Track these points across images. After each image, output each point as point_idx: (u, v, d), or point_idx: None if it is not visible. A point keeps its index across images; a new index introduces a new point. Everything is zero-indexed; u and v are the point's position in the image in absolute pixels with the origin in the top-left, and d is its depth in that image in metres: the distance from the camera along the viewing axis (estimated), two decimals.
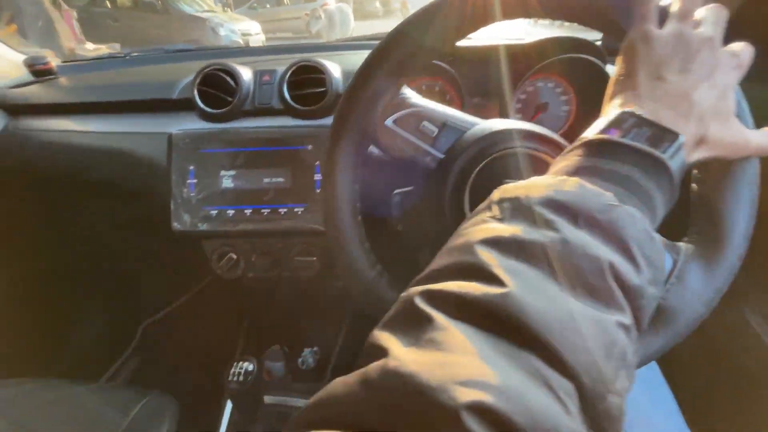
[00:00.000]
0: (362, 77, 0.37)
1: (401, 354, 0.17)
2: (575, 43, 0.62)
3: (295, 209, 0.63)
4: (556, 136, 0.38)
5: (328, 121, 0.66)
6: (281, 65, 0.70)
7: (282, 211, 0.63)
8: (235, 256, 0.68)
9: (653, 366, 0.53)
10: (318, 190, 0.63)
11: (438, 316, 0.18)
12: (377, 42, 0.37)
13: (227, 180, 0.64)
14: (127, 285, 1.24)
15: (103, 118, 0.75)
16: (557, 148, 0.37)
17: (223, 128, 0.66)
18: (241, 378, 0.55)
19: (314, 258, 0.68)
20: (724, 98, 0.28)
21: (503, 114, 0.68)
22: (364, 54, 0.38)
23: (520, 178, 0.34)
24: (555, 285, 0.19)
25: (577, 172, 0.24)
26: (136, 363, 1.22)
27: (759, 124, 0.31)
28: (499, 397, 0.15)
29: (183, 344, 1.23)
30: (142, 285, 1.26)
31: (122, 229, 0.88)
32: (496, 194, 0.24)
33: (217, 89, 0.69)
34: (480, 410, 0.15)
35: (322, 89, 0.67)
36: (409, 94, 0.42)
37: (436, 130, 0.40)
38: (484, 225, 0.22)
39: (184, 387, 0.77)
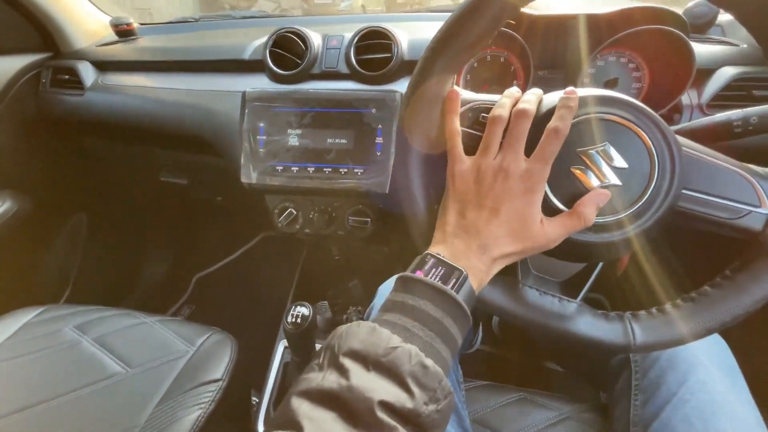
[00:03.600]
0: (457, 20, 0.35)
1: None
2: (657, 14, 0.59)
3: (356, 170, 0.66)
4: (635, 101, 0.37)
5: (393, 86, 0.68)
6: (349, 31, 0.72)
7: (343, 170, 0.66)
8: (294, 212, 0.72)
9: (729, 355, 0.52)
10: (378, 153, 0.65)
11: None
12: (445, 13, 0.36)
13: (294, 138, 0.67)
14: (186, 236, 1.35)
15: (180, 75, 0.81)
16: (636, 112, 0.36)
17: (293, 89, 0.69)
18: (298, 320, 0.59)
19: (368, 219, 0.71)
20: (519, 220, 0.34)
21: None
22: (431, 24, 0.37)
23: (595, 143, 0.35)
24: (342, 424, 0.25)
25: (391, 306, 0.32)
26: (190, 310, 1.33)
27: None
28: None
29: (232, 297, 1.33)
30: (198, 238, 1.36)
31: (191, 182, 0.95)
32: (329, 339, 0.31)
33: (287, 52, 0.72)
34: None
35: (388, 55, 0.69)
36: (459, 90, 0.41)
37: None
38: (306, 375, 0.29)
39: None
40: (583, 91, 0.37)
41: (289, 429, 0.25)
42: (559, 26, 0.65)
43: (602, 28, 0.63)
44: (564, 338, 0.38)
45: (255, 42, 0.77)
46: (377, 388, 0.26)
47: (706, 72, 0.62)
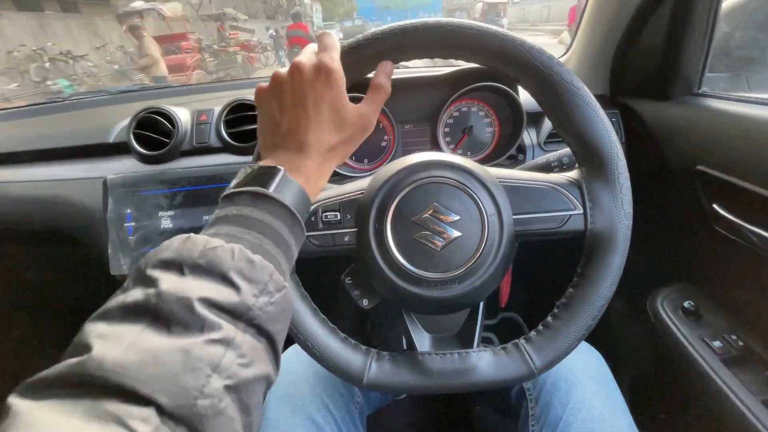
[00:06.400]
0: None
1: None
2: (491, 72, 0.68)
3: None
4: (438, 157, 0.41)
5: None
6: (218, 104, 0.72)
7: None
8: None
9: (602, 364, 0.57)
10: None
11: (20, 407, 0.19)
12: None
13: (166, 220, 0.64)
14: (72, 336, 1.19)
15: (38, 165, 0.74)
16: (443, 166, 0.39)
17: (160, 170, 0.67)
18: None
19: None
20: (330, 109, 0.34)
21: (434, 137, 0.73)
22: None
23: (425, 208, 0.38)
24: (152, 333, 0.22)
25: (213, 222, 0.30)
26: None
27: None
28: None
29: None
30: None
31: (64, 277, 0.85)
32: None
33: (154, 131, 0.70)
34: None
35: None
36: None
37: (337, 213, 0.41)
38: (111, 299, 0.25)
39: None
40: (394, 166, 0.40)
41: (75, 355, 0.21)
42: (410, 86, 0.72)
43: (448, 84, 0.70)
44: (476, 389, 0.39)
45: (120, 123, 0.74)
46: (194, 287, 0.23)
47: (540, 115, 0.71)
